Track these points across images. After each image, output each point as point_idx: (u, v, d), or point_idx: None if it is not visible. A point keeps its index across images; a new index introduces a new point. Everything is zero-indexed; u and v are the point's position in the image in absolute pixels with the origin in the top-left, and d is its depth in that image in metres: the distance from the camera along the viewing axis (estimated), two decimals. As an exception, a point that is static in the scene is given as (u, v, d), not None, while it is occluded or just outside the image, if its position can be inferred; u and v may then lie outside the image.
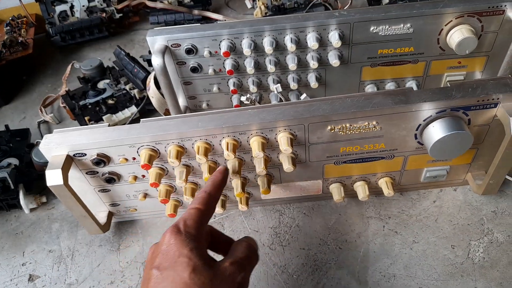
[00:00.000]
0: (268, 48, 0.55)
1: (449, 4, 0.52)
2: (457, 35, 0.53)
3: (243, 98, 0.58)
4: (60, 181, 0.43)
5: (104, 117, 0.65)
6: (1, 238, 0.55)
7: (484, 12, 0.52)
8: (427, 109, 0.41)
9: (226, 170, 0.42)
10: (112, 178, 0.47)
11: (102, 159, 0.45)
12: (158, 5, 0.86)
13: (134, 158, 0.45)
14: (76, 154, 0.44)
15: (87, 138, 0.44)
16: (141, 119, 0.45)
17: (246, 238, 0.38)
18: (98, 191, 0.50)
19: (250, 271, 0.36)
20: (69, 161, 0.44)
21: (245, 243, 0.37)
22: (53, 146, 0.44)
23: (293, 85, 0.60)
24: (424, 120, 0.42)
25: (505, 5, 0.51)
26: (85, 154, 0.44)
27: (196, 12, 0.87)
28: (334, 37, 0.54)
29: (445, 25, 0.53)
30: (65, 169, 0.43)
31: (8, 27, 0.86)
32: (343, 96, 0.43)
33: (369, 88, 0.61)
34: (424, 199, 0.51)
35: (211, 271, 0.33)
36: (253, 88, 0.61)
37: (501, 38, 0.55)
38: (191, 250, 0.33)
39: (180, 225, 0.35)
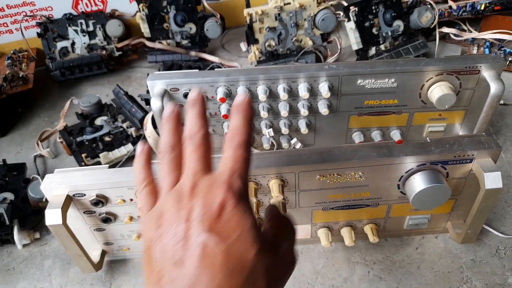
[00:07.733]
0: (262, 95, 0.59)
1: (429, 62, 0.57)
2: (437, 91, 0.57)
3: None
4: (59, 220, 0.44)
5: (100, 155, 0.66)
6: (-8, 274, 0.55)
7: (461, 71, 0.57)
8: (408, 162, 0.44)
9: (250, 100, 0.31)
10: (109, 218, 0.49)
11: (101, 200, 0.46)
12: (157, 45, 0.90)
13: (131, 200, 0.47)
14: (76, 194, 0.46)
15: (88, 179, 0.45)
16: (140, 162, 0.47)
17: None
18: (94, 230, 0.51)
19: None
20: (69, 201, 0.46)
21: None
22: (54, 186, 0.45)
23: (284, 130, 0.63)
24: (406, 172, 0.45)
25: (480, 66, 0.56)
26: (85, 195, 0.46)
27: (193, 53, 0.91)
28: (324, 88, 0.58)
29: (426, 81, 0.58)
30: (65, 209, 0.45)
31: (9, 61, 0.88)
32: (331, 147, 0.46)
33: (356, 135, 0.64)
34: (407, 246, 0.54)
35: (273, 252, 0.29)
36: (246, 132, 0.64)
37: (478, 95, 0.59)
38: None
39: (234, 182, 0.27)
